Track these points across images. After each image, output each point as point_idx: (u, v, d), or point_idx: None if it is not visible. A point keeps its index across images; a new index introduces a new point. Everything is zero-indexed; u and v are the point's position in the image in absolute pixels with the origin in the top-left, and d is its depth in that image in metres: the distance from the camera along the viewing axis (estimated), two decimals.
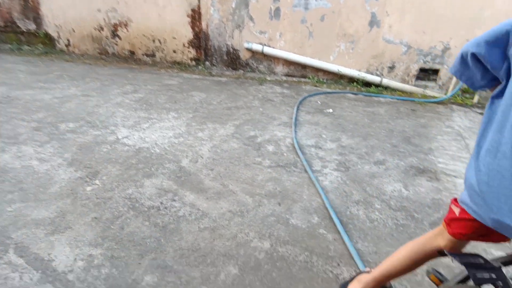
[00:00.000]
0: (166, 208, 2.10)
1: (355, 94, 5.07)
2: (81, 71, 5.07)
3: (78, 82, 4.59)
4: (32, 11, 5.68)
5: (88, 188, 2.25)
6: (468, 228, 1.02)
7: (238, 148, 3.01)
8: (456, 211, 1.05)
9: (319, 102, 4.72)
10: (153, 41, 5.50)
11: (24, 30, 5.92)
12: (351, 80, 5.13)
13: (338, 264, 1.73)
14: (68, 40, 5.80)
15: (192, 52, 5.48)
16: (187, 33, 5.32)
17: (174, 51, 5.53)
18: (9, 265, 1.63)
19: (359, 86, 5.00)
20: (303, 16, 4.81)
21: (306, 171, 2.67)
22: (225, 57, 5.43)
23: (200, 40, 5.35)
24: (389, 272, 1.30)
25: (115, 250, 1.74)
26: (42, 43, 5.97)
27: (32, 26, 5.84)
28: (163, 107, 3.99)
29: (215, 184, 2.40)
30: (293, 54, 5.14)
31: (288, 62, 5.27)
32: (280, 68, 5.37)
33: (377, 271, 1.33)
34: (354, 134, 3.58)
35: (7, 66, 5.10)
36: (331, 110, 4.37)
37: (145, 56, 5.67)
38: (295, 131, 3.47)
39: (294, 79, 5.34)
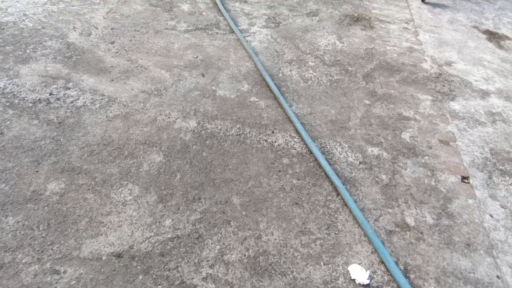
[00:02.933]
0: (58, 99, 1.65)
1: None
2: None
3: None
4: None
5: None
6: None
7: (144, 11, 2.37)
8: None
9: None
10: None
11: None
12: None
13: (273, 132, 1.61)
14: None
15: None
16: None
17: None
18: None
19: None
20: None
21: (231, 32, 2.25)
22: None
23: None
24: None
25: None
26: None
27: None
28: None
29: (120, 60, 1.92)
30: None
31: None
32: None
33: None
34: None
35: None
36: None
37: None
38: None
39: None
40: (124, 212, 1.26)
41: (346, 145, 1.59)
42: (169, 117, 1.62)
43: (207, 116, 1.65)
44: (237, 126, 1.62)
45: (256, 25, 2.36)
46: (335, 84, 1.94)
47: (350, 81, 1.97)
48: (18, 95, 1.64)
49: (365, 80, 2.00)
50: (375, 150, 1.59)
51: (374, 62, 2.15)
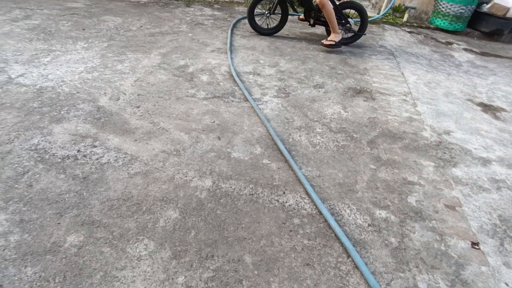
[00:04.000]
0: (85, 156, 1.78)
1: (291, 15, 4.76)
2: None
3: None
4: None
5: None
6: None
7: (167, 80, 2.64)
8: None
9: None
10: None
11: None
12: None
13: (284, 192, 1.68)
14: None
15: None
16: None
17: None
18: None
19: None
20: None
21: (245, 100, 2.48)
22: None
23: None
24: None
25: (24, 213, 1.44)
26: None
27: None
28: (68, 36, 3.27)
29: (144, 122, 2.10)
30: None
31: None
32: None
33: None
34: (293, 58, 3.40)
35: None
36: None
37: None
38: (231, 58, 3.16)
39: None
40: (139, 267, 1.28)
41: (354, 207, 1.65)
42: (186, 176, 1.72)
43: (222, 176, 1.74)
44: (250, 186, 1.70)
45: (268, 95, 2.60)
46: (342, 149, 2.07)
47: (356, 147, 2.10)
48: (49, 151, 1.79)
49: (369, 146, 2.13)
50: (383, 213, 1.63)
51: (377, 130, 2.31)
